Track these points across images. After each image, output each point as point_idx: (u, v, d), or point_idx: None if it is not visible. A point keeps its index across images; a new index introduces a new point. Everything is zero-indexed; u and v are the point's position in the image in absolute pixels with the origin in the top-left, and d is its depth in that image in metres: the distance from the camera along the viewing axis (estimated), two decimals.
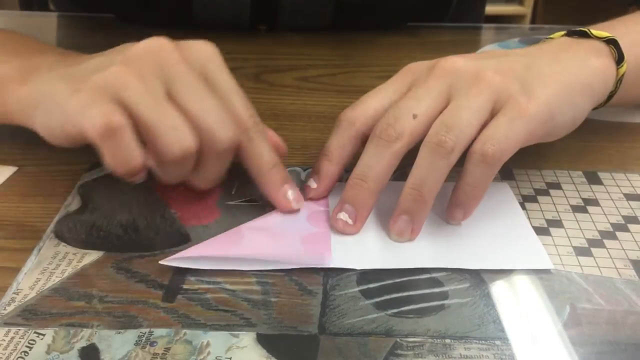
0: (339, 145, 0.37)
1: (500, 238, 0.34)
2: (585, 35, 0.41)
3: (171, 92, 0.33)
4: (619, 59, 0.40)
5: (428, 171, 0.33)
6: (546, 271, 0.32)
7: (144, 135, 0.32)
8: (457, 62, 0.36)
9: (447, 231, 0.35)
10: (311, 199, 0.37)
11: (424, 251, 0.34)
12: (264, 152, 0.35)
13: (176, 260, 0.32)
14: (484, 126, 0.34)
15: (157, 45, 0.34)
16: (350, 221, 0.34)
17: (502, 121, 0.33)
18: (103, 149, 0.31)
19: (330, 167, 0.37)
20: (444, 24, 0.73)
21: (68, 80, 0.34)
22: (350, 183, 0.35)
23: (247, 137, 0.35)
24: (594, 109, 0.40)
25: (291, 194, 0.36)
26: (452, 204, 0.35)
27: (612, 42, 0.40)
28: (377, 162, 0.34)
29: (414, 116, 0.34)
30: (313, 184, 0.37)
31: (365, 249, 0.34)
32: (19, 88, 0.36)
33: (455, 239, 0.34)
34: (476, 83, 0.34)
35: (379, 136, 0.34)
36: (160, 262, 0.32)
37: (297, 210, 0.36)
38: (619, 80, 0.40)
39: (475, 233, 0.35)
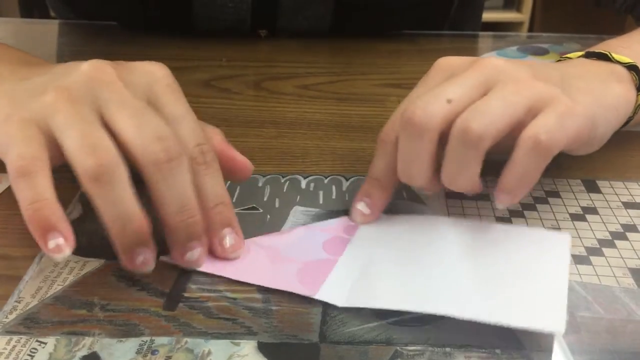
0: (387, 168, 0.35)
1: (524, 292, 0.30)
2: (605, 57, 0.40)
3: (104, 116, 0.31)
4: None
5: (458, 165, 0.32)
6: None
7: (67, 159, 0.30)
8: (500, 61, 0.34)
9: (471, 274, 0.31)
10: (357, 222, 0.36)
11: (433, 292, 0.30)
12: (207, 187, 0.32)
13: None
14: (518, 126, 0.32)
15: (95, 69, 0.32)
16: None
17: (551, 115, 0.32)
18: (15, 191, 0.29)
19: (383, 194, 0.35)
20: (442, 32, 0.74)
21: (8, 99, 0.33)
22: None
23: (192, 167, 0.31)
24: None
25: (228, 240, 0.33)
26: (499, 188, 0.32)
27: (633, 68, 0.39)
28: (414, 156, 0.32)
29: (448, 100, 0.32)
30: (366, 210, 0.36)
31: (366, 285, 0.31)
32: None
33: (473, 283, 0.31)
34: (517, 82, 0.33)
35: (408, 124, 0.32)
36: (162, 258, 0.32)
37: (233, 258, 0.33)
38: (638, 106, 0.40)
39: (498, 280, 0.31)
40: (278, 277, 0.32)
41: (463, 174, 0.32)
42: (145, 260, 0.30)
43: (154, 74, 0.33)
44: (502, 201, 0.33)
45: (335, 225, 0.36)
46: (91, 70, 0.32)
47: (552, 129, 0.31)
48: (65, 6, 0.75)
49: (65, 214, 0.29)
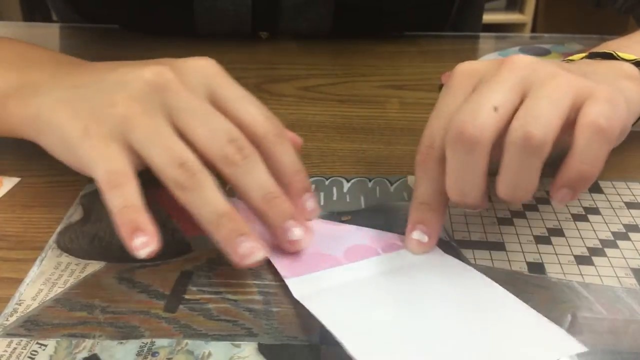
0: (435, 189, 0.33)
1: (518, 331, 0.29)
2: (610, 57, 0.39)
3: (177, 124, 0.33)
4: None
5: (520, 173, 0.30)
6: (544, 279, 0.32)
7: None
8: (528, 58, 0.32)
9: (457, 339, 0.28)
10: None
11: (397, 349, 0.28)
12: (284, 159, 0.34)
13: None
14: (567, 123, 0.30)
15: (157, 76, 0.34)
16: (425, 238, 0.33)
17: (600, 102, 0.30)
18: (107, 200, 0.31)
19: (437, 218, 0.33)
20: (443, 33, 0.74)
21: (76, 108, 0.34)
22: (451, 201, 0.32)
23: (265, 144, 0.34)
24: None
25: (309, 204, 0.35)
26: (558, 184, 0.30)
27: (639, 65, 0.38)
28: (467, 173, 0.30)
29: (495, 108, 0.30)
30: (423, 237, 0.33)
31: (332, 303, 0.30)
32: (18, 107, 0.36)
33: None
34: (555, 78, 0.31)
35: (459, 140, 0.30)
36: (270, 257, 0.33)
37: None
38: None
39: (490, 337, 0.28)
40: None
41: (524, 183, 0.30)
42: (250, 248, 0.31)
43: (206, 70, 0.35)
44: (563, 198, 0.31)
45: (383, 239, 0.35)
46: (154, 78, 0.33)
47: (608, 114, 0.29)
48: (69, 6, 0.75)
49: (150, 218, 0.31)
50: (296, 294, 0.31)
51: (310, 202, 0.35)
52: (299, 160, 0.35)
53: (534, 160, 0.29)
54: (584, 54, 0.41)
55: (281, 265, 0.33)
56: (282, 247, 0.33)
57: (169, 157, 0.31)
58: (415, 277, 0.32)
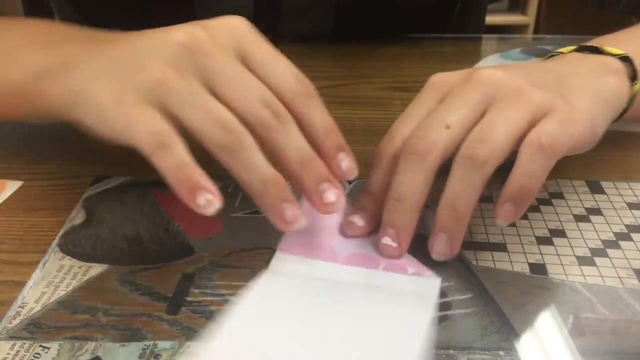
0: (378, 177, 0.35)
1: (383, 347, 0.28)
2: (597, 51, 0.40)
3: (213, 87, 0.32)
4: (634, 76, 0.39)
5: (462, 186, 0.32)
6: (546, 280, 0.32)
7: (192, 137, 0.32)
8: (494, 73, 0.34)
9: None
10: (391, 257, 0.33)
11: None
12: (316, 120, 0.34)
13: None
14: (521, 138, 0.32)
15: (190, 38, 0.33)
16: (394, 244, 0.33)
17: (552, 121, 0.32)
18: (157, 163, 0.30)
19: (406, 215, 0.33)
20: (445, 35, 0.74)
21: (109, 78, 0.33)
22: (388, 206, 0.33)
23: (295, 106, 0.33)
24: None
25: (344, 164, 0.34)
26: (502, 199, 0.32)
27: (626, 60, 0.39)
28: (411, 180, 0.32)
29: (447, 126, 0.32)
30: (359, 222, 0.35)
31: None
32: (53, 86, 0.35)
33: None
34: (516, 96, 0.33)
35: (411, 151, 0.33)
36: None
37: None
38: (631, 98, 0.39)
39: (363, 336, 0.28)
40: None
41: (465, 195, 0.32)
42: (294, 215, 0.31)
43: (238, 29, 0.35)
44: (506, 214, 0.32)
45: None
46: (185, 40, 0.33)
47: (554, 133, 0.32)
48: (71, 7, 0.75)
49: (207, 176, 0.30)
50: (272, 267, 0.32)
51: (345, 162, 0.34)
52: (332, 120, 0.34)
53: (477, 175, 0.31)
54: (573, 47, 0.42)
55: (288, 238, 0.33)
56: (318, 210, 0.33)
57: (209, 118, 0.31)
58: (364, 299, 0.31)
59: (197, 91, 0.32)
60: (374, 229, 0.35)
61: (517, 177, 0.32)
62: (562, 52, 0.42)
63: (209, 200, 0.30)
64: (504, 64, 0.37)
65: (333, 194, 0.32)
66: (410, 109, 0.36)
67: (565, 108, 0.33)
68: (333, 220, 0.36)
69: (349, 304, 0.31)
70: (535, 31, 2.06)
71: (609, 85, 0.38)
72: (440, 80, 0.36)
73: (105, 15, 0.72)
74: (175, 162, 0.30)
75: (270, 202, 0.31)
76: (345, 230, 0.35)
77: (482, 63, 0.63)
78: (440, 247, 0.33)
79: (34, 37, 0.41)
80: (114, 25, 0.69)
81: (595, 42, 0.42)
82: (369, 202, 0.35)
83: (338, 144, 0.34)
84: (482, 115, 0.33)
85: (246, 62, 0.34)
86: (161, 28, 0.36)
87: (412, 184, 0.32)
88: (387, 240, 0.33)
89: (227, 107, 0.32)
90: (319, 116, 0.34)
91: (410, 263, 0.33)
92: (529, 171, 0.32)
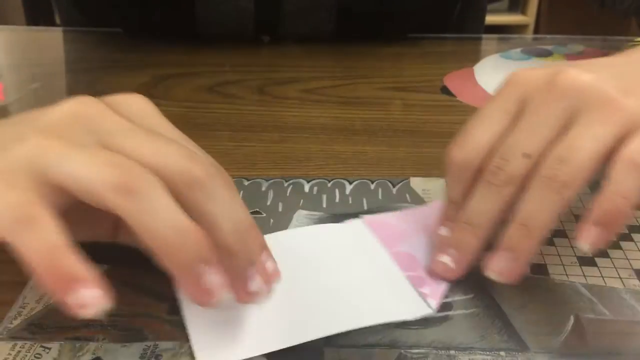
0: (460, 193, 0.32)
1: (375, 290, 0.32)
2: None
3: (108, 146, 0.25)
4: None
5: (539, 206, 0.29)
6: (547, 281, 0.32)
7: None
8: (581, 78, 0.30)
9: (319, 293, 0.31)
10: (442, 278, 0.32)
11: (299, 324, 0.29)
12: (217, 208, 0.26)
13: None
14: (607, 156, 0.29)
15: (80, 104, 0.27)
16: (452, 265, 0.32)
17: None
18: (16, 246, 0.23)
19: (473, 240, 0.31)
20: (445, 35, 0.74)
21: None
22: (457, 226, 0.32)
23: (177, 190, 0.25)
24: None
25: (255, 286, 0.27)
26: (590, 221, 0.28)
27: None
28: (486, 208, 0.31)
29: (527, 156, 0.30)
30: (451, 264, 0.32)
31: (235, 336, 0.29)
32: None
33: (328, 299, 0.31)
34: (606, 107, 0.29)
35: (489, 181, 0.30)
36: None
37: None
38: None
39: (350, 288, 0.31)
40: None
41: (542, 216, 0.29)
42: (215, 282, 0.25)
43: (140, 104, 0.29)
44: (592, 239, 0.28)
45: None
46: (76, 106, 0.27)
47: None
48: (72, 6, 0.75)
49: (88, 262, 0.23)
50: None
51: (255, 284, 0.27)
52: (240, 208, 0.27)
53: (555, 198, 0.29)
54: None
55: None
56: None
57: (93, 161, 0.24)
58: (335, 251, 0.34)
59: (82, 143, 0.25)
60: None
61: (610, 196, 0.28)
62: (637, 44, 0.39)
63: (89, 298, 0.23)
64: (587, 61, 0.34)
65: (260, 287, 0.27)
66: (486, 111, 0.33)
67: None
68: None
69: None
70: (536, 31, 2.06)
71: None
72: (521, 79, 0.32)
73: (107, 14, 0.72)
74: (40, 243, 0.23)
75: (181, 263, 0.24)
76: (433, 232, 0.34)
77: (482, 63, 0.63)
78: (500, 266, 0.30)
79: None
80: (115, 24, 0.69)
81: None
82: (452, 212, 0.33)
83: (247, 253, 0.27)
84: (565, 127, 0.30)
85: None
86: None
87: (485, 211, 0.31)
88: (445, 259, 0.32)
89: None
90: (216, 211, 0.26)
91: (433, 288, 0.32)
92: (624, 191, 0.28)
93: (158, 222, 0.24)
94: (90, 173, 0.24)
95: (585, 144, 0.29)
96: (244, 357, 0.27)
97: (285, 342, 0.28)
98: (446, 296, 0.31)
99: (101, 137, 0.26)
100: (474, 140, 0.32)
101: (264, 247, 0.28)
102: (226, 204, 0.26)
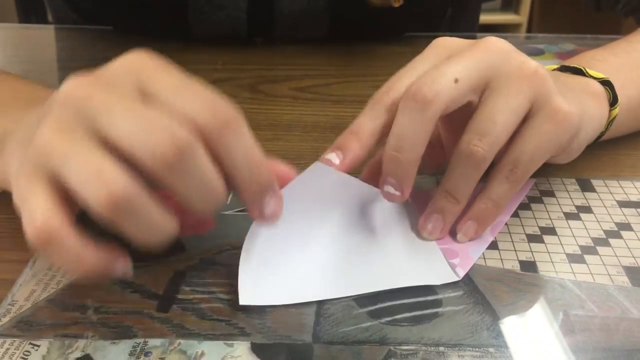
0: (373, 127, 0.33)
1: (409, 254, 0.34)
2: (580, 72, 0.40)
3: (99, 132, 0.26)
4: (613, 101, 0.39)
5: (461, 178, 0.33)
6: (536, 277, 0.32)
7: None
8: (504, 45, 0.33)
9: (361, 251, 0.34)
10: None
11: (334, 280, 0.32)
12: (235, 154, 0.28)
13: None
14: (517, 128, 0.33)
15: (72, 88, 0.28)
16: (397, 193, 0.33)
17: (536, 132, 0.33)
18: (48, 258, 0.27)
19: (358, 150, 0.33)
20: (439, 34, 0.74)
21: (19, 150, 0.30)
22: (386, 156, 0.32)
23: (210, 140, 0.27)
24: None
25: (269, 210, 0.30)
26: (466, 217, 0.35)
27: (606, 84, 0.39)
28: (411, 130, 0.31)
29: (456, 80, 0.31)
30: (335, 160, 0.33)
31: (279, 282, 0.32)
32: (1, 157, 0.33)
33: (369, 259, 0.34)
34: (519, 74, 0.32)
35: (413, 98, 0.31)
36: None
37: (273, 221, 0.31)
38: (610, 122, 0.40)
39: (389, 250, 0.34)
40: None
41: (463, 186, 0.34)
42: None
43: (134, 65, 0.29)
44: (467, 232, 0.35)
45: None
46: (69, 91, 0.28)
47: (530, 159, 0.33)
48: (66, 3, 0.75)
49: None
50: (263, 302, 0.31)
51: (269, 208, 0.30)
52: (256, 151, 0.28)
53: (475, 171, 0.33)
54: (555, 66, 0.42)
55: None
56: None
57: (88, 174, 0.26)
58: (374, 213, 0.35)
59: (79, 145, 0.26)
60: (348, 171, 0.34)
61: (484, 199, 0.34)
62: None
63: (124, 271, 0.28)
64: None
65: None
66: (410, 66, 0.35)
67: (559, 106, 0.33)
68: None
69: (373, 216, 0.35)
70: (528, 30, 2.06)
71: (589, 107, 0.37)
72: (445, 42, 0.35)
73: (100, 12, 0.71)
74: (68, 256, 0.26)
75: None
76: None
77: None
78: (431, 227, 0.35)
79: None
80: (109, 22, 0.69)
81: (576, 60, 0.42)
82: (350, 142, 0.33)
83: (262, 185, 0.29)
84: (486, 82, 0.33)
85: (147, 100, 0.27)
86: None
87: (412, 134, 0.31)
88: (389, 189, 0.33)
89: (117, 148, 0.26)
90: (240, 151, 0.28)
91: (462, 260, 0.34)
92: (496, 196, 0.34)
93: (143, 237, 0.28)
94: (83, 189, 0.26)
95: (502, 117, 0.32)
96: (280, 303, 0.30)
97: (325, 294, 0.31)
98: (436, 293, 0.32)
99: (93, 122, 0.27)
100: (400, 83, 0.33)
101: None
102: (195, 182, 0.27)
